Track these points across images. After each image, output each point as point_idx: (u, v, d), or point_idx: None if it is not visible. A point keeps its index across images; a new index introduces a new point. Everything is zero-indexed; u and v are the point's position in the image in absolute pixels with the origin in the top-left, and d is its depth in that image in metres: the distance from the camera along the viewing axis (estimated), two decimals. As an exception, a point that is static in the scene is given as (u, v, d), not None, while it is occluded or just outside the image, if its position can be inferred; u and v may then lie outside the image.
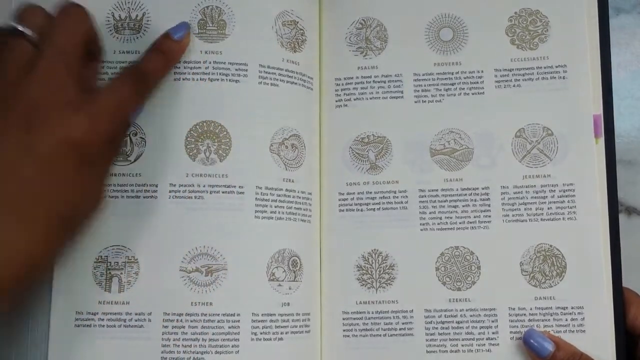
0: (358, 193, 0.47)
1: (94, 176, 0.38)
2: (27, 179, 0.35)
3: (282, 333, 0.43)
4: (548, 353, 0.43)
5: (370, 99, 0.47)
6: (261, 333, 0.43)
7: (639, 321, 0.43)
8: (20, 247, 0.34)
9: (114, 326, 0.41)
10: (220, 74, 0.45)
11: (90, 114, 0.37)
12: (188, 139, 0.44)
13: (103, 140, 0.37)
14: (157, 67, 0.43)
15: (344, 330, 0.45)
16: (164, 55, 0.43)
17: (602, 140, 0.45)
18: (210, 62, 0.45)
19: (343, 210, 0.47)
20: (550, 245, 0.45)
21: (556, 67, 0.46)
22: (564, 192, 0.45)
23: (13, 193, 0.35)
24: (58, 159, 0.35)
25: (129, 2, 0.46)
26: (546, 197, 0.45)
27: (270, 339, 0.43)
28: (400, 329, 0.45)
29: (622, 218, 0.50)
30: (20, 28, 0.37)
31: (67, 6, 0.39)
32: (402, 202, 0.46)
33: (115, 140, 0.41)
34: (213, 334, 0.42)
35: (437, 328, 0.45)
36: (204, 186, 0.44)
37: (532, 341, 0.43)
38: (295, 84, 0.46)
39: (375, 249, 0.46)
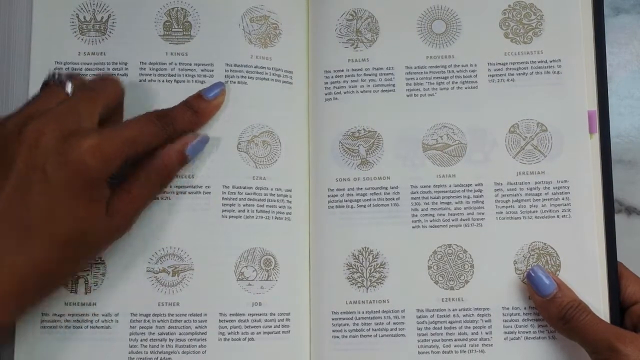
0: (348, 189, 0.45)
1: (102, 201, 0.38)
2: (34, 198, 0.36)
3: (253, 333, 0.43)
4: (550, 292, 0.42)
5: (361, 92, 0.46)
6: (229, 333, 0.43)
7: (628, 293, 0.43)
8: (18, 265, 0.35)
9: (81, 327, 0.40)
10: (186, 75, 0.45)
11: (102, 136, 0.37)
12: None
13: (111, 165, 0.38)
14: (184, 120, 0.43)
15: (333, 331, 0.44)
16: (195, 113, 0.43)
17: (596, 136, 0.45)
18: (175, 64, 0.45)
19: (332, 207, 0.45)
20: (544, 244, 0.44)
21: (550, 61, 0.46)
22: (558, 189, 0.44)
23: (16, 212, 0.35)
24: (65, 180, 0.36)
25: (94, 4, 0.46)
26: (540, 194, 0.44)
27: (240, 339, 0.43)
28: (391, 330, 0.43)
29: (622, 218, 0.50)
30: (64, 80, 0.39)
31: (106, 75, 0.43)
32: (393, 199, 0.45)
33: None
34: (180, 334, 0.42)
35: (429, 328, 0.43)
36: (172, 187, 0.44)
37: (536, 278, 0.42)
38: (267, 79, 0.45)
39: (365, 247, 0.44)
